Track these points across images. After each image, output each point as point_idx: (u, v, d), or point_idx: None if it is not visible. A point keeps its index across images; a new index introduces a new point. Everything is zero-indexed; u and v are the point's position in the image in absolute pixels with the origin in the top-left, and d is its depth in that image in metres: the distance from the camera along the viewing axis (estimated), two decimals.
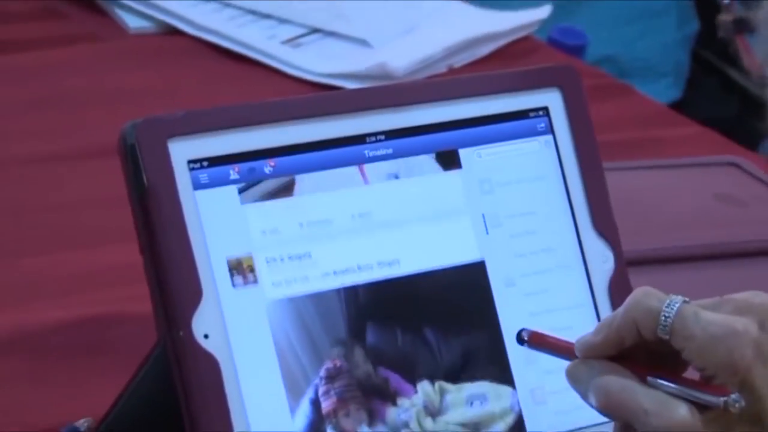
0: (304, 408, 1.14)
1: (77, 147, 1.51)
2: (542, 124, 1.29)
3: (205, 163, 1.18)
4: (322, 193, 1.18)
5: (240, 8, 1.90)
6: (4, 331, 1.38)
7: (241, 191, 1.15)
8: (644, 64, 2.70)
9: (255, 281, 1.15)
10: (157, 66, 1.84)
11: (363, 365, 1.15)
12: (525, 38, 1.92)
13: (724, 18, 0.81)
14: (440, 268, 1.21)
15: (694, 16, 2.82)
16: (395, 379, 1.17)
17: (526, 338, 1.18)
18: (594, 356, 1.13)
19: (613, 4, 2.77)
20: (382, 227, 1.20)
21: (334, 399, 1.14)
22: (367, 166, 1.20)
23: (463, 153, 1.25)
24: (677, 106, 2.45)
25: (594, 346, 1.13)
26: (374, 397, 1.16)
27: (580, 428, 1.23)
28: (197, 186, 1.17)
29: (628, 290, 1.14)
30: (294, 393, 1.13)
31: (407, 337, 1.18)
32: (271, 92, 1.74)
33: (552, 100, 1.29)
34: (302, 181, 1.18)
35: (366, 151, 1.23)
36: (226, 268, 1.14)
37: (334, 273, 1.17)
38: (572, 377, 1.14)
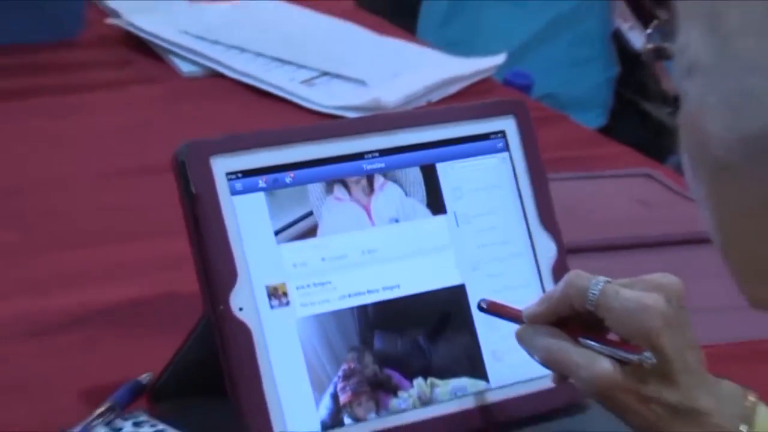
0: (326, 401, 1.14)
1: (142, 164, 1.49)
2: (500, 144, 1.28)
3: (239, 175, 1.16)
4: (338, 234, 1.19)
5: (267, 56, 1.89)
6: (86, 307, 1.36)
7: (277, 233, 1.15)
8: (577, 99, 2.69)
9: (287, 303, 1.15)
10: (204, 101, 1.83)
11: (371, 366, 1.16)
12: (486, 79, 1.91)
13: (646, 46, 0.80)
14: (430, 290, 1.22)
15: (616, 63, 2.80)
16: (396, 377, 1.17)
17: (485, 306, 1.18)
18: (537, 322, 1.12)
19: (553, 54, 2.75)
20: (386, 260, 1.20)
21: (349, 393, 1.15)
22: (373, 211, 1.20)
23: (440, 166, 1.24)
24: (603, 131, 2.43)
25: (537, 314, 1.13)
26: (380, 390, 1.17)
27: (531, 379, 1.21)
28: (234, 192, 1.16)
29: (567, 272, 1.12)
30: (318, 389, 1.14)
31: (405, 344, 1.19)
32: (291, 121, 1.73)
33: (507, 125, 1.28)
34: (323, 224, 1.18)
35: (364, 165, 1.22)
36: (265, 293, 1.14)
37: (349, 296, 1.18)
38: (520, 338, 1.14)
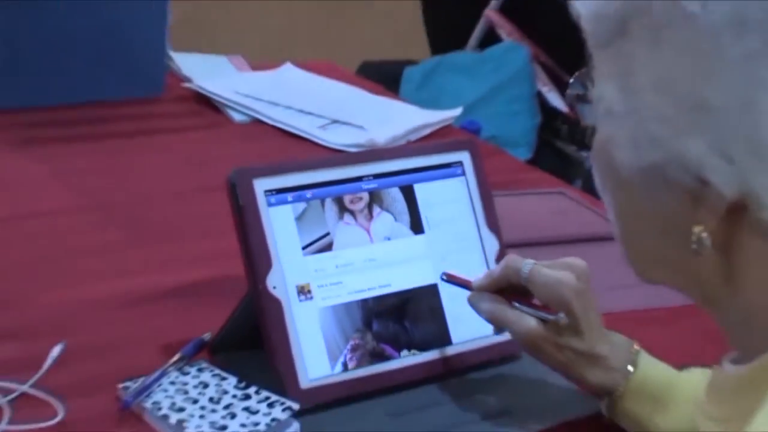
0: (338, 366, 1.13)
1: (207, 184, 1.46)
2: (459, 170, 1.25)
3: (273, 192, 1.14)
4: (347, 248, 1.17)
5: (294, 109, 1.87)
6: (164, 286, 1.34)
7: (304, 247, 1.15)
8: (511, 140, 2.67)
9: (311, 298, 1.13)
10: (249, 140, 1.81)
11: (371, 342, 1.15)
12: (447, 126, 1.90)
13: (569, 92, 0.80)
14: (412, 287, 1.19)
15: (538, 115, 2.77)
16: (388, 349, 1.16)
17: (445, 277, 1.18)
18: (483, 290, 1.11)
19: (494, 109, 2.74)
20: (381, 267, 1.18)
21: (355, 361, 1.13)
22: (372, 232, 1.19)
23: (416, 186, 1.22)
24: (529, 162, 2.42)
25: (483, 285, 1.12)
26: (376, 359, 1.15)
27: (479, 337, 1.19)
28: (269, 204, 1.14)
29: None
30: (332, 358, 1.13)
31: (395, 326, 1.17)
32: (310, 154, 1.72)
33: (464, 157, 1.26)
34: (337, 241, 1.17)
35: (362, 185, 1.20)
36: (296, 291, 1.13)
37: (356, 292, 1.16)
38: (471, 302, 1.12)
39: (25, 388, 1.10)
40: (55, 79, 1.80)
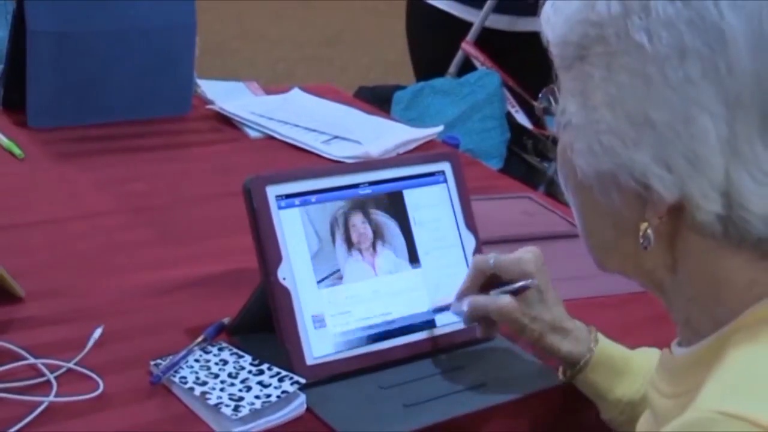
0: (338, 348, 1.12)
1: (226, 191, 1.42)
2: (441, 178, 1.23)
3: (283, 197, 1.12)
4: (355, 282, 1.14)
5: (301, 126, 1.85)
6: (189, 277, 1.32)
7: (318, 282, 1.12)
8: (486, 152, 2.65)
9: (325, 326, 1.11)
10: (262, 153, 1.78)
11: None
12: (431, 140, 1.87)
13: (537, 105, 0.80)
14: (412, 314, 1.17)
15: (508, 130, 2.75)
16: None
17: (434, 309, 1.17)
18: (464, 295, 1.11)
19: (471, 126, 2.72)
20: (384, 296, 1.15)
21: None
22: (377, 267, 1.16)
23: (405, 192, 1.20)
24: (501, 171, 2.40)
25: (462, 290, 1.11)
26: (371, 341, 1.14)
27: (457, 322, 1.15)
28: (279, 208, 1.12)
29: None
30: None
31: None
32: (314, 164, 1.70)
33: (446, 167, 1.24)
34: (346, 276, 1.14)
35: (359, 191, 1.17)
36: (312, 321, 1.11)
37: (362, 319, 1.13)
38: (453, 312, 1.13)
39: (70, 365, 1.09)
40: (99, 101, 1.78)
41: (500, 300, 1.07)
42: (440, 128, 1.93)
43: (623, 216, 0.77)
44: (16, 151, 1.63)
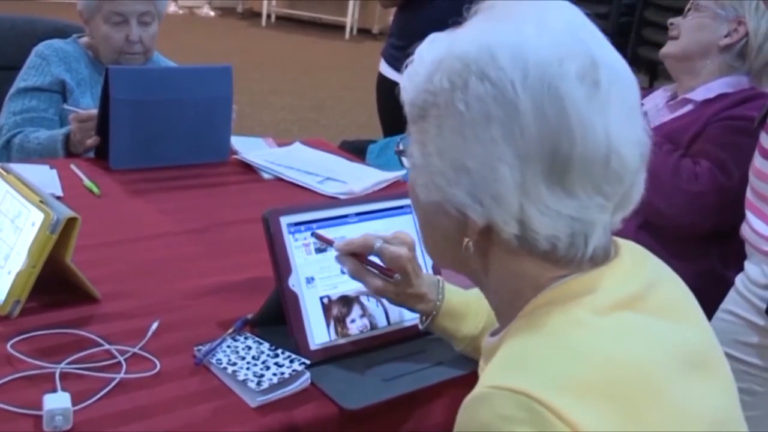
0: (333, 336, 1.06)
1: (248, 218, 1.41)
2: (408, 210, 1.18)
3: (293, 224, 1.08)
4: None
5: (302, 170, 1.80)
6: (220, 284, 1.26)
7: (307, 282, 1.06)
8: None
9: (315, 285, 1.06)
10: (274, 190, 1.72)
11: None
12: (398, 180, 1.83)
13: (396, 149, 0.77)
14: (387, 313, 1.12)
15: None
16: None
17: (314, 235, 1.07)
18: (344, 252, 1.02)
19: None
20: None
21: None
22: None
23: (381, 220, 1.15)
24: None
25: (344, 248, 1.02)
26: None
27: (405, 320, 1.09)
28: (290, 232, 1.07)
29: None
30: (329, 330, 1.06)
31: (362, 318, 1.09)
32: (313, 199, 1.64)
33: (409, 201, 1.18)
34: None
35: (348, 220, 1.13)
36: (305, 281, 1.06)
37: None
38: (338, 260, 1.03)
39: (135, 350, 1.04)
40: (161, 151, 1.76)
41: (375, 282, 1.01)
42: (404, 171, 1.89)
43: (450, 233, 0.76)
44: (95, 190, 1.58)
